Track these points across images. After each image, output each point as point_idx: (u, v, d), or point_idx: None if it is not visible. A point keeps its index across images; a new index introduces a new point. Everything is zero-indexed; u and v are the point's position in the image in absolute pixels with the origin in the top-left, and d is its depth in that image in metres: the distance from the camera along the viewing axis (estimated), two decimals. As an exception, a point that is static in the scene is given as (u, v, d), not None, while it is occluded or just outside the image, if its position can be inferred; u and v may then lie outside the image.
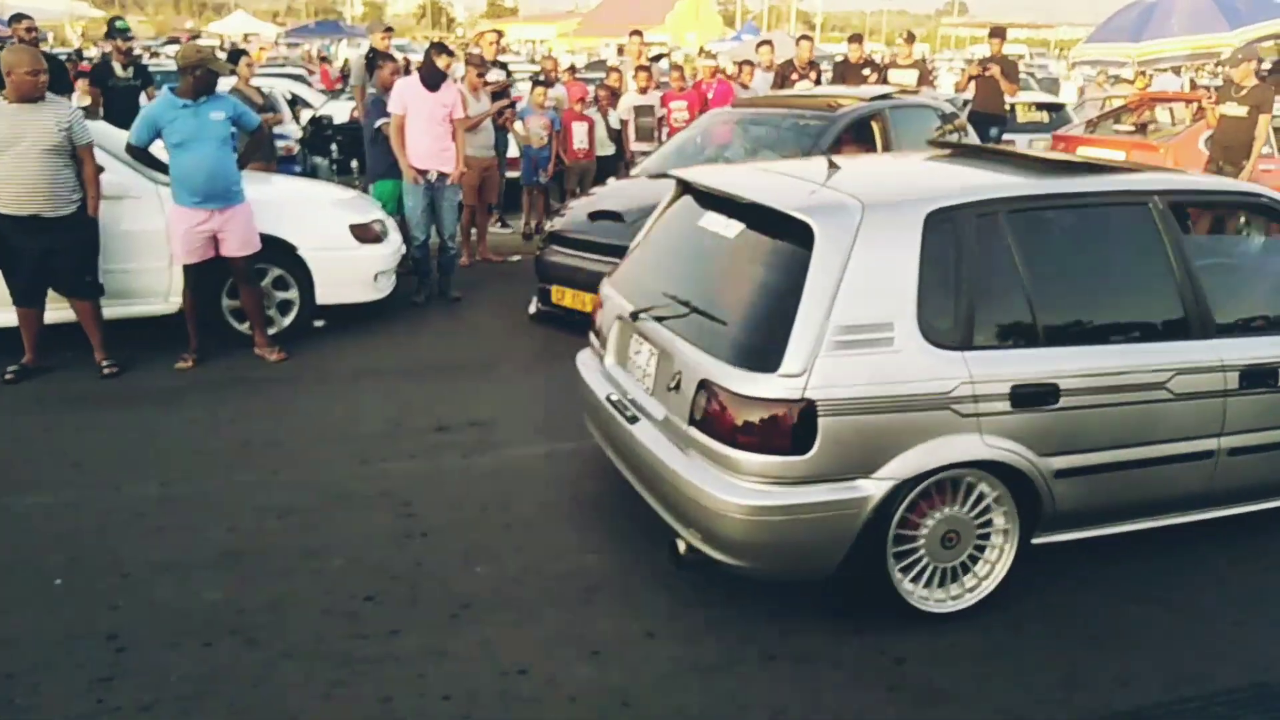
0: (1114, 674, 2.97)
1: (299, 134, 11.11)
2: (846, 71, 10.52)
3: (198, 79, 5.50)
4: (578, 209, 6.84)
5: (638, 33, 10.55)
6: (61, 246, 5.23)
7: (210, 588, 3.40)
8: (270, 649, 3.05)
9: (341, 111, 12.78)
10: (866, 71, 10.40)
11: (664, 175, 7.00)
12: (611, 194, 6.98)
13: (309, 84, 16.88)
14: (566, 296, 6.37)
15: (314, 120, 11.75)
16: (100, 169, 5.38)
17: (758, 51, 11.55)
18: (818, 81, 10.42)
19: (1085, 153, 9.24)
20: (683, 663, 3.01)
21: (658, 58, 13.42)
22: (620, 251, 6.00)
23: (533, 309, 6.78)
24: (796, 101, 7.78)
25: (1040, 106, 13.52)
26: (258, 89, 8.37)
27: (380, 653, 3.04)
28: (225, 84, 8.06)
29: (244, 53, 8.63)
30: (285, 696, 2.83)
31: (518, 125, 9.23)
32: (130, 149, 5.52)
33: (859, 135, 7.56)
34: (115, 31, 8.08)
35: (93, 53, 24.48)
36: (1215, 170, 8.09)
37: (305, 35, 39.05)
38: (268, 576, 3.47)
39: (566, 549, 3.68)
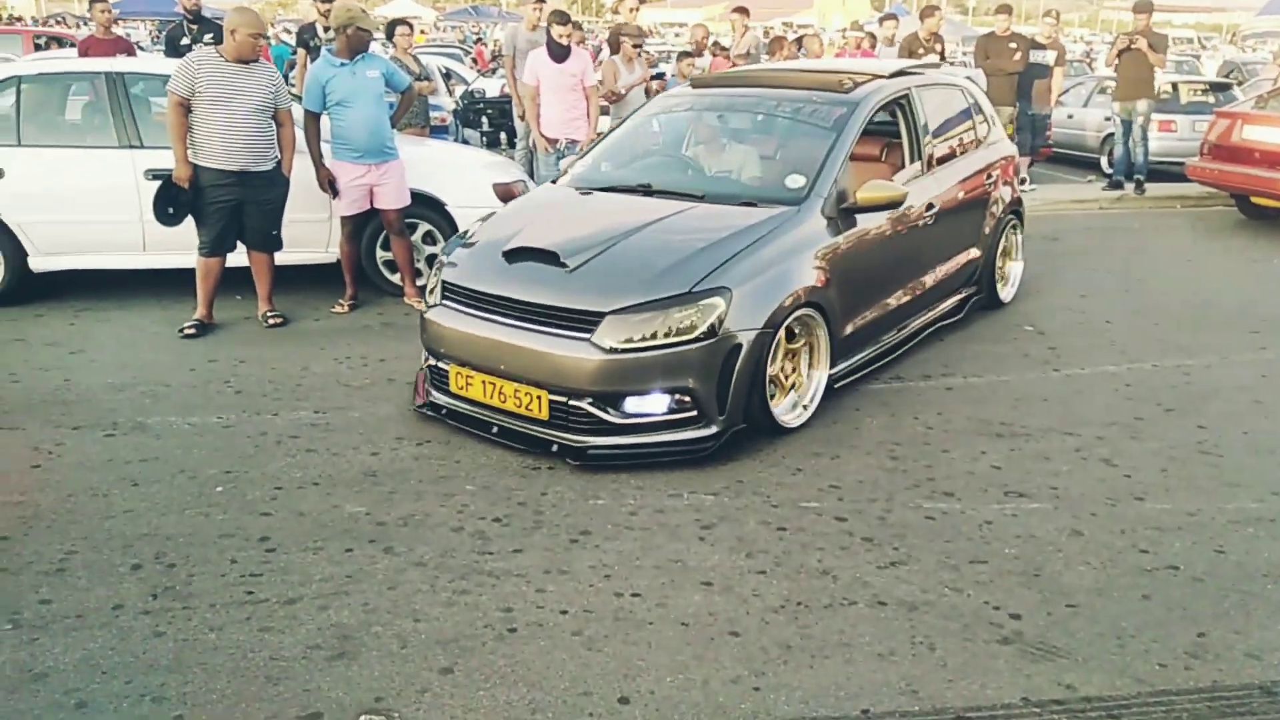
0: (1246, 647, 2.83)
1: (452, 106, 11.56)
2: (990, 46, 10.14)
3: (350, 37, 5.83)
4: (484, 243, 4.46)
5: (742, 10, 10.40)
6: (256, 200, 5.59)
7: (352, 502, 3.64)
8: (403, 558, 3.26)
9: (493, 87, 13.26)
10: (1013, 45, 10.00)
11: (612, 189, 4.89)
12: (534, 218, 4.68)
13: (467, 62, 17.49)
14: (474, 384, 4.11)
15: (467, 94, 12.23)
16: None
17: (881, 26, 11.30)
18: (943, 56, 10.11)
19: (1250, 130, 8.61)
20: (792, 601, 3.04)
21: (800, 39, 13.29)
22: (560, 316, 3.89)
23: (420, 399, 4.49)
24: (789, 78, 5.41)
25: (1208, 89, 12.70)
26: (415, 58, 8.74)
27: (503, 568, 3.20)
28: (384, 55, 8.51)
29: (402, 21, 9.01)
30: (413, 600, 3.02)
31: None
32: (307, 114, 5.88)
33: (881, 123, 5.35)
34: None
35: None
36: None
37: (462, 18, 40.38)
38: (404, 496, 3.70)
39: (685, 488, 3.76)
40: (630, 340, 3.80)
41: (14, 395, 4.68)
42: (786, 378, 4.29)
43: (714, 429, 3.93)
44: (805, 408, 4.35)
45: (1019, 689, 2.65)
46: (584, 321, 3.85)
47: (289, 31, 24.99)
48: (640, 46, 8.23)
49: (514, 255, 4.21)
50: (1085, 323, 6.08)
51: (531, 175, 7.86)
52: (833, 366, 4.50)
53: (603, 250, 4.11)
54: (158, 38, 23.27)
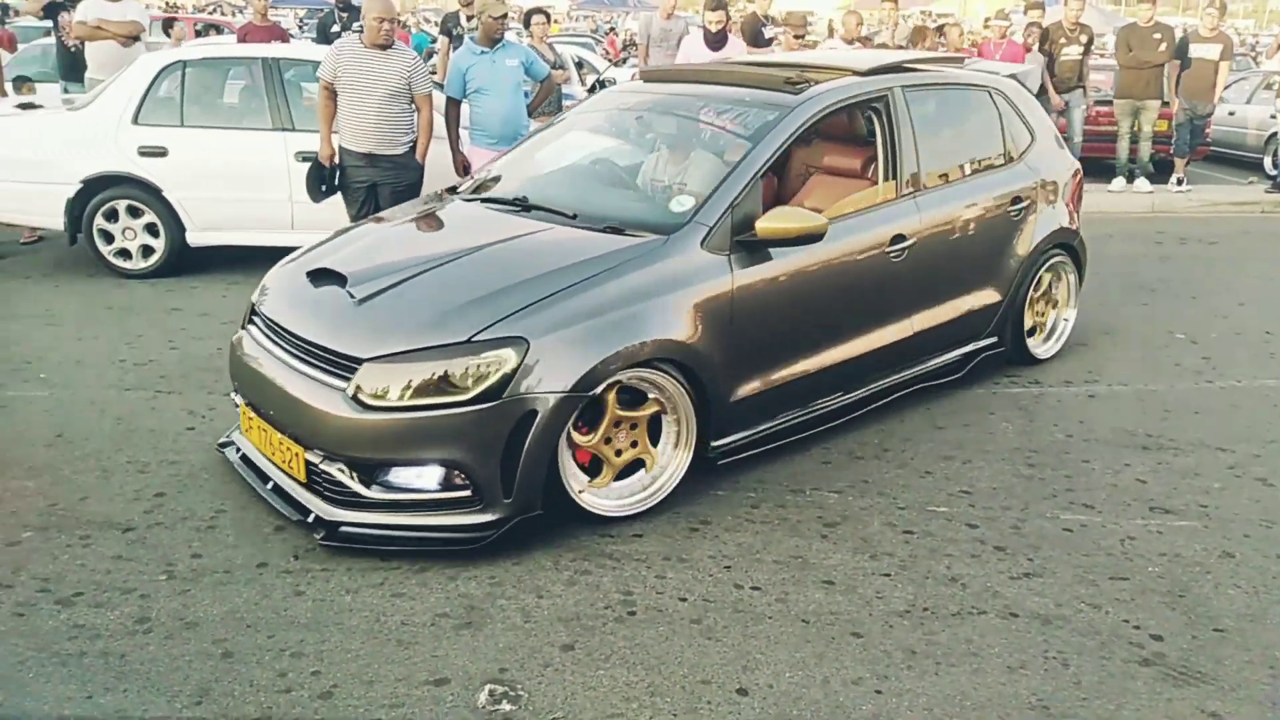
0: None
1: (584, 94, 11.70)
2: (1132, 37, 9.59)
3: (484, 25, 5.97)
4: (305, 259, 3.91)
5: None
6: (388, 182, 5.79)
7: None
8: (527, 535, 3.32)
9: (623, 76, 13.36)
10: (1158, 36, 9.43)
11: (492, 200, 4.19)
12: (376, 233, 4.14)
13: (599, 51, 17.72)
14: (254, 428, 3.50)
15: (599, 83, 12.35)
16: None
17: (1026, 15, 10.82)
18: (1089, 47, 9.60)
19: None
20: (918, 606, 2.96)
21: (940, 28, 12.89)
22: (324, 357, 3.24)
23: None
24: (741, 74, 4.48)
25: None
26: (550, 46, 8.88)
27: (623, 551, 3.23)
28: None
29: (539, 11, 9.16)
30: (536, 576, 3.08)
31: None
32: (448, 101, 6.04)
33: (843, 130, 4.64)
34: None
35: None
36: None
37: (595, 8, 40.82)
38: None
39: (807, 485, 3.71)
40: (387, 396, 3.08)
41: (171, 361, 4.99)
42: (618, 453, 3.40)
43: (495, 515, 3.15)
44: (651, 494, 3.48)
45: (1158, 713, 2.52)
46: (343, 367, 3.17)
47: (428, 20, 25.80)
48: (802, 36, 8.04)
49: (319, 277, 3.61)
50: (1242, 332, 5.71)
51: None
52: (720, 436, 3.63)
53: (403, 280, 3.42)
54: (305, 25, 24.35)
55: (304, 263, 3.82)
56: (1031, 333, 5.02)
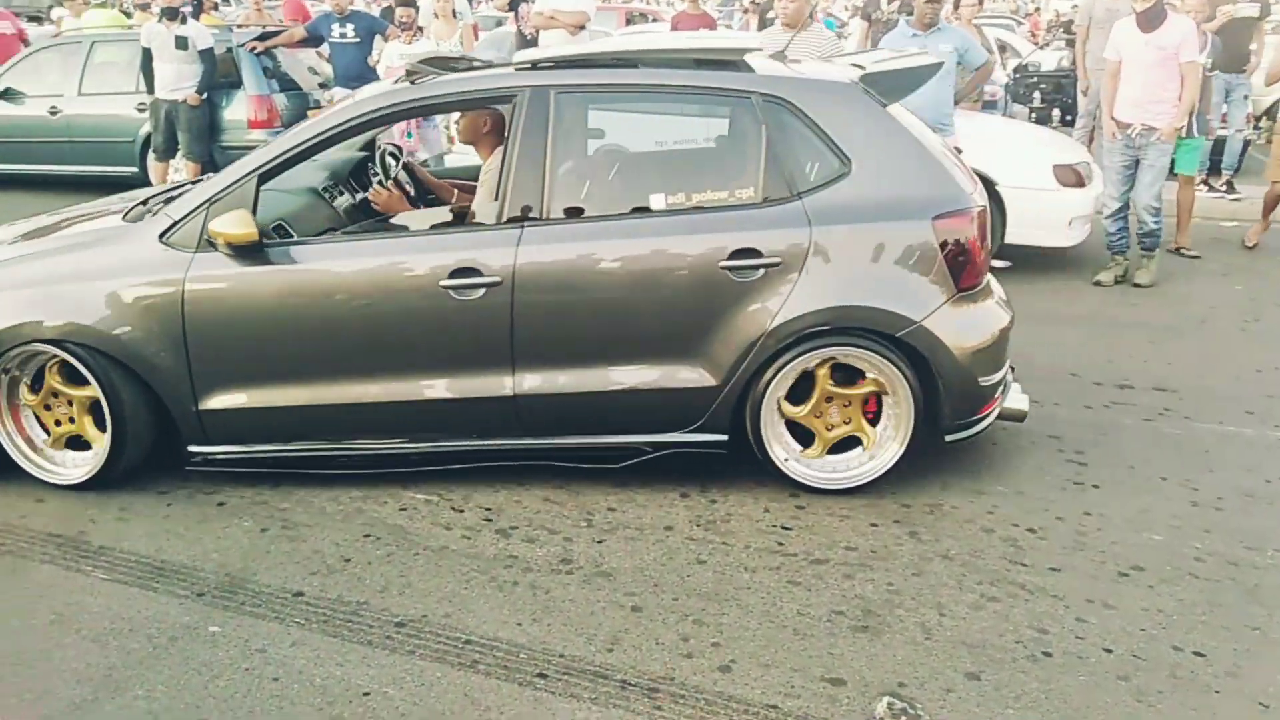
0: None
1: (1003, 80, 10.99)
2: None
3: (919, 10, 5.77)
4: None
5: None
6: None
7: (886, 483, 3.52)
8: (929, 546, 3.18)
9: (1049, 60, 12.32)
10: None
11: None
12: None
13: (1021, 33, 16.56)
14: None
15: (1020, 68, 11.52)
16: None
17: None
18: None
19: None
20: None
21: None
22: None
23: None
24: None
25: None
26: (979, 28, 8.41)
27: (1037, 584, 2.97)
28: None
29: (969, -8, 8.72)
30: (938, 592, 2.93)
31: None
32: None
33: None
34: None
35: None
36: None
37: (1016, -12, 38.24)
38: (931, 484, 3.57)
39: (1269, 544, 3.18)
40: None
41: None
42: (58, 423, 3.59)
43: None
44: (64, 477, 3.57)
45: None
46: None
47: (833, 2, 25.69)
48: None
49: None
50: None
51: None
52: (204, 444, 3.51)
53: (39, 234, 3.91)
54: (720, 12, 25.31)
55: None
56: (807, 442, 3.52)
